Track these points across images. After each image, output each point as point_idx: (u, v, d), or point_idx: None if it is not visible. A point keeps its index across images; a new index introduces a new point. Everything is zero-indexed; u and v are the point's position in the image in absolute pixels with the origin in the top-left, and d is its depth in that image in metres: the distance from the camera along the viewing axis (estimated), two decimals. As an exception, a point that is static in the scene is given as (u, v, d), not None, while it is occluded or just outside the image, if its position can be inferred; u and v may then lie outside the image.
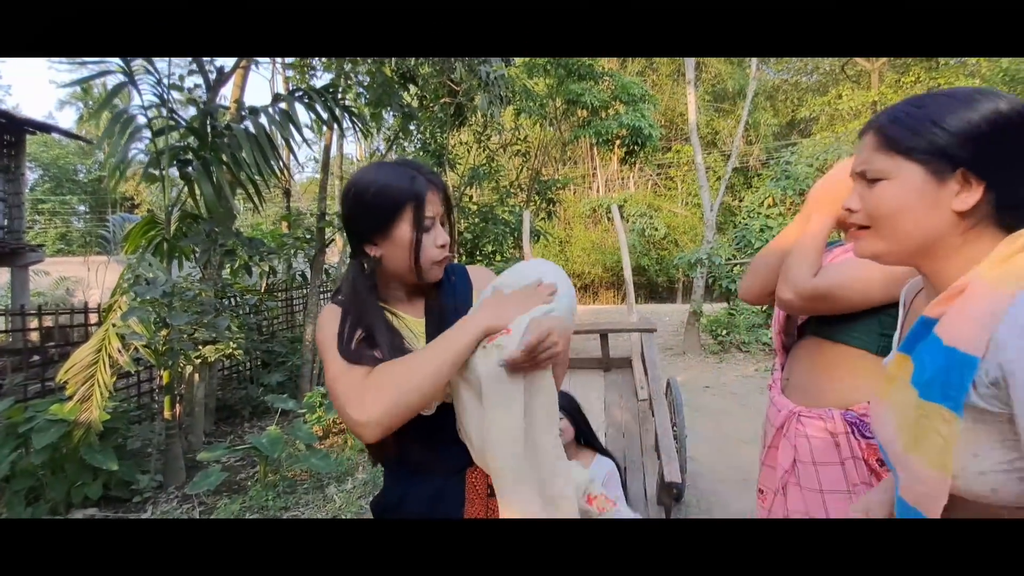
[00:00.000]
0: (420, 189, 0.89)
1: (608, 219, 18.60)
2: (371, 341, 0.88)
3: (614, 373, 3.39)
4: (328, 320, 0.91)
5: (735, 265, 7.74)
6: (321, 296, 6.55)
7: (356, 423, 0.79)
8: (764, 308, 8.86)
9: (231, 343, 3.90)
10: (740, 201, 15.09)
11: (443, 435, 0.92)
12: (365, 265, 0.92)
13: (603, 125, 8.35)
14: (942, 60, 13.85)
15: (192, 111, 3.98)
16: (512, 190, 9.28)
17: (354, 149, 15.56)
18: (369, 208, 0.89)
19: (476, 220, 8.51)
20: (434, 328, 0.92)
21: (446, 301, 0.98)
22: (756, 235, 7.58)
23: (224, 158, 3.39)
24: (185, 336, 2.99)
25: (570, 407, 2.20)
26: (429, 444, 0.92)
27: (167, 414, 3.25)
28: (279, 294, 6.70)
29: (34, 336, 4.84)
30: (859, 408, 1.14)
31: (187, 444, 3.72)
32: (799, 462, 1.20)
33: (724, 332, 8.06)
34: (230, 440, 4.28)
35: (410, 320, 0.95)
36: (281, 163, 3.70)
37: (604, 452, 2.24)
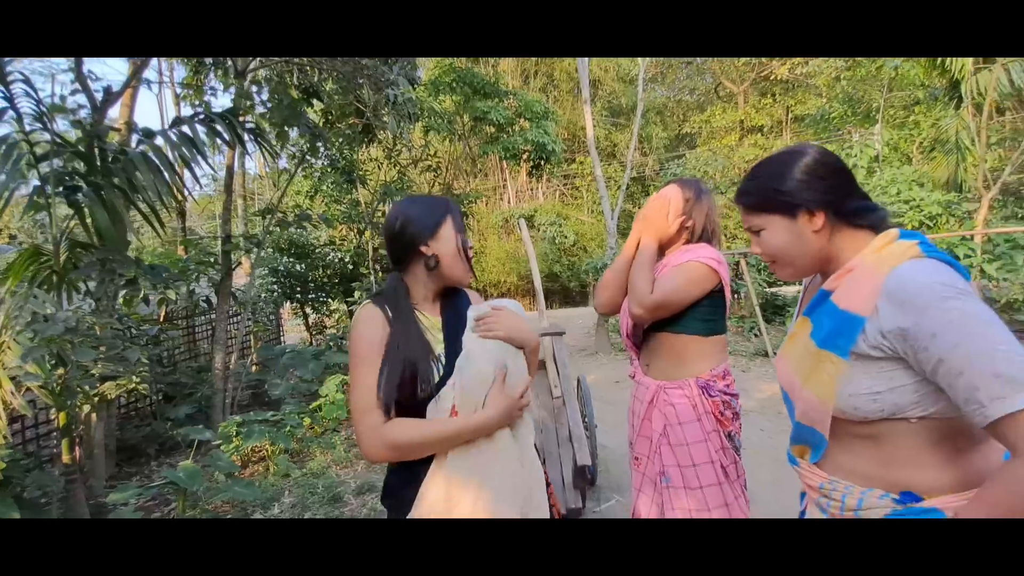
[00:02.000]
0: (454, 205, 1.22)
1: (519, 229, 19.12)
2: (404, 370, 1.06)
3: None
4: (367, 323, 1.10)
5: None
6: (231, 321, 6.26)
7: (367, 456, 1.05)
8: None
9: (134, 377, 3.69)
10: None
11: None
12: (424, 266, 1.14)
13: (509, 141, 8.75)
14: (798, 84, 15.96)
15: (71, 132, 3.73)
16: (425, 205, 9.40)
17: (253, 164, 14.82)
18: (420, 218, 1.14)
19: (390, 236, 8.52)
20: (450, 327, 1.16)
21: (459, 305, 1.21)
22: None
23: (118, 183, 3.25)
24: (91, 373, 2.82)
25: None
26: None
27: (66, 458, 3.03)
28: (179, 322, 6.30)
29: None
30: (704, 376, 1.52)
31: (87, 490, 3.46)
32: (668, 425, 1.54)
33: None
34: (135, 482, 4.01)
35: (431, 320, 1.16)
36: (181, 186, 3.58)
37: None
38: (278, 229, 5.50)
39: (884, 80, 10.87)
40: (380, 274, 8.22)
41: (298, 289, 7.83)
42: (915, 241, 0.81)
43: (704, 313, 1.52)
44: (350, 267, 8.32)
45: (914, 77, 9.85)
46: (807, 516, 0.97)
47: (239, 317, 5.82)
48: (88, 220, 3.25)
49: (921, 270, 0.76)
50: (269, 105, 4.76)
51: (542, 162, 9.27)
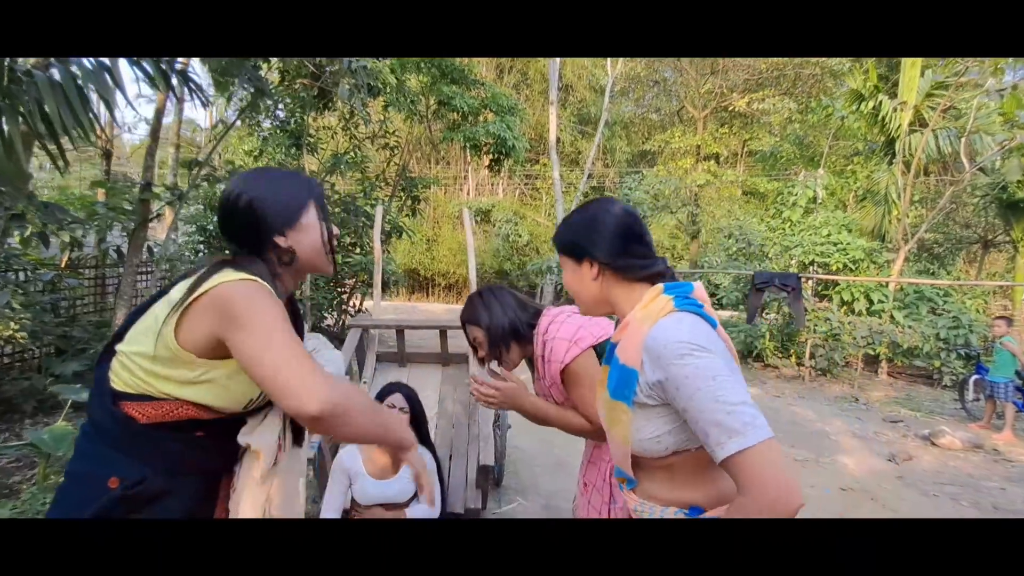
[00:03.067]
0: (319, 187, 1.06)
1: (476, 222, 19.02)
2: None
3: (452, 368, 3.59)
4: (264, 296, 0.88)
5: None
6: (140, 276, 5.81)
7: (311, 406, 0.80)
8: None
9: (12, 324, 3.32)
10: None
11: (228, 442, 0.99)
12: (277, 259, 0.98)
13: (471, 131, 8.62)
14: (754, 119, 16.68)
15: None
16: (377, 183, 9.11)
17: (202, 117, 13.90)
18: (276, 203, 0.97)
19: (337, 210, 8.19)
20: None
21: (296, 312, 1.11)
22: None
23: (20, 109, 2.90)
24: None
25: (412, 400, 2.31)
26: (215, 448, 0.99)
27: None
28: (85, 271, 5.78)
29: None
30: None
31: (-62, 443, 3.09)
32: None
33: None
34: (4, 439, 3.63)
35: None
36: (95, 122, 3.24)
37: (427, 445, 2.39)
38: (207, 184, 5.15)
39: (831, 128, 11.55)
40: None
41: (228, 252, 7.38)
42: (671, 296, 0.93)
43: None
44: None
45: (857, 130, 10.50)
46: None
47: (152, 273, 5.40)
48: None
49: (669, 328, 0.88)
50: (211, 51, 4.42)
51: (502, 157, 9.19)
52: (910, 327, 7.36)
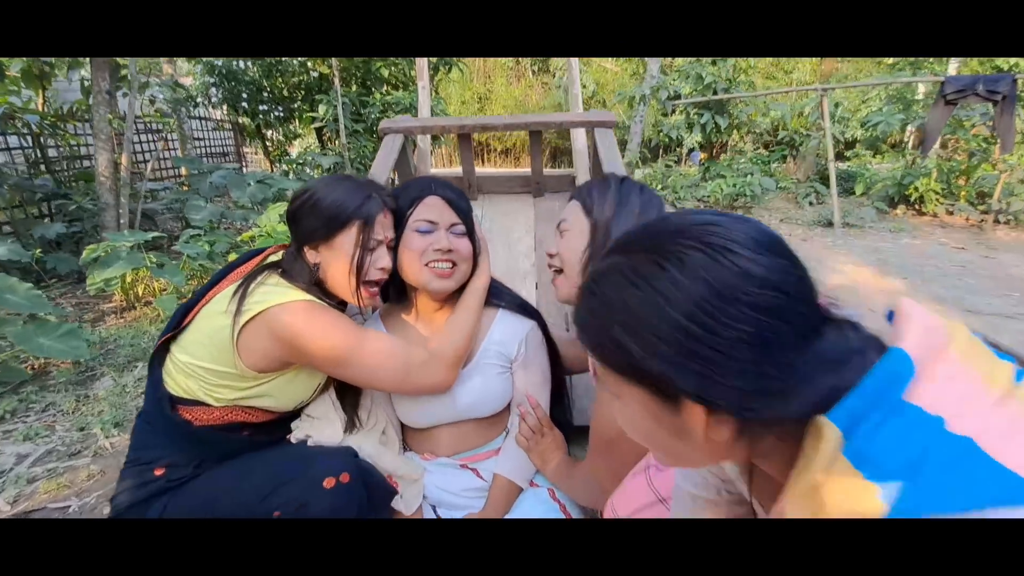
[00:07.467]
0: (373, 210, 0.97)
1: (532, 74, 16.60)
2: None
3: (549, 199, 2.26)
4: (313, 316, 0.91)
5: (691, 105, 6.55)
6: (137, 123, 4.61)
7: (443, 384, 1.03)
8: (704, 163, 8.11)
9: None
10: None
11: (273, 436, 1.05)
12: (309, 268, 0.97)
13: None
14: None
15: None
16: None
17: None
18: (318, 214, 0.94)
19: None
20: None
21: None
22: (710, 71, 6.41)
23: None
24: None
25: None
26: (260, 444, 1.04)
27: None
28: (65, 122, 4.68)
29: None
30: None
31: None
32: None
33: (659, 188, 7.21)
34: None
35: None
36: None
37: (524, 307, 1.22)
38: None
39: None
40: (354, 88, 6.41)
41: (244, 97, 6.05)
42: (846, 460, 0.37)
43: None
44: (315, 75, 6.48)
45: None
46: None
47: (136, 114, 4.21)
48: None
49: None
50: None
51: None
52: None
